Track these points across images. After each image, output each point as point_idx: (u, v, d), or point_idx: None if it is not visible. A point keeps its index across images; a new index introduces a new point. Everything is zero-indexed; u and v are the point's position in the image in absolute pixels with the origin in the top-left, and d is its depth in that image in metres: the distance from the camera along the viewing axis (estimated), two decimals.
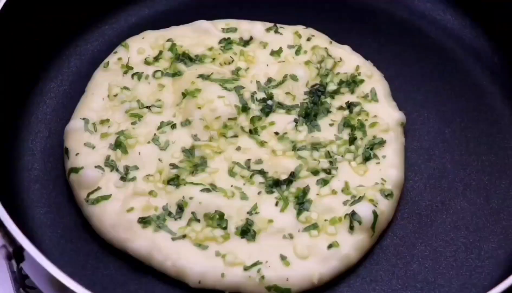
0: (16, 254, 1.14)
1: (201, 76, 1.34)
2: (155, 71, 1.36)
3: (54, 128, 1.36)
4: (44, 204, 1.29)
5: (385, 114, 1.32)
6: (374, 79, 1.36)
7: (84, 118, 1.31)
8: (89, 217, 1.24)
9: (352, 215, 1.22)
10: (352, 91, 1.35)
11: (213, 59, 1.38)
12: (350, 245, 1.21)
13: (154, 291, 1.21)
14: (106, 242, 1.24)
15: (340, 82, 1.35)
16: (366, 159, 1.28)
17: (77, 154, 1.28)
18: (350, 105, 1.33)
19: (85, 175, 1.25)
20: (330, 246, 1.20)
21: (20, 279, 1.28)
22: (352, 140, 1.30)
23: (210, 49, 1.39)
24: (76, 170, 1.26)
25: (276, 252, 1.19)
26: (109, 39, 1.47)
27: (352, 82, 1.36)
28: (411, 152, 1.34)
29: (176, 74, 1.36)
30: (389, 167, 1.28)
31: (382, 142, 1.30)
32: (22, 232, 1.13)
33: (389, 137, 1.30)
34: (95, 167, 1.26)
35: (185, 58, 1.37)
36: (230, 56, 1.37)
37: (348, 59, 1.38)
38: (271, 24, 1.42)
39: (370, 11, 1.50)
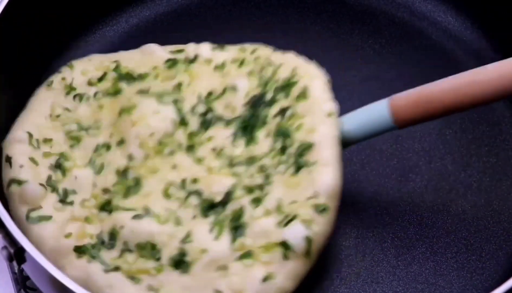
0: (17, 255, 1.13)
1: (140, 92, 1.28)
2: (96, 92, 1.30)
3: None
4: None
5: (315, 111, 1.21)
6: (308, 78, 1.25)
7: (28, 132, 1.25)
8: (27, 235, 1.16)
9: (283, 243, 1.12)
10: (287, 95, 1.25)
11: (156, 76, 1.30)
12: (285, 274, 1.12)
13: None
14: None
15: (276, 89, 1.26)
16: (298, 168, 1.17)
17: (21, 166, 1.21)
18: (282, 111, 1.23)
19: (29, 190, 1.19)
20: (265, 279, 1.11)
21: (21, 281, 1.28)
22: (283, 149, 1.20)
23: (154, 68, 1.32)
24: (19, 182, 1.20)
25: (210, 286, 1.12)
26: (110, 41, 1.47)
27: (286, 86, 1.26)
28: (412, 153, 1.34)
29: (116, 93, 1.30)
30: (320, 174, 1.15)
31: (309, 146, 1.18)
32: (23, 233, 1.13)
33: (317, 137, 1.18)
34: (40, 183, 1.20)
35: (128, 77, 1.31)
36: (173, 74, 1.31)
37: (288, 64, 1.28)
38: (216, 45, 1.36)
39: (370, 13, 1.50)
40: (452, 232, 1.26)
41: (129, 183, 1.20)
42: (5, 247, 1.14)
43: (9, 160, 1.22)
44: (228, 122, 1.25)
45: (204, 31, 1.44)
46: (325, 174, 1.16)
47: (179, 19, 1.49)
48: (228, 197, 1.17)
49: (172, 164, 1.21)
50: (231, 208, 1.16)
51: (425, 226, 1.27)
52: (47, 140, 1.25)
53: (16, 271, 1.26)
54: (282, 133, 1.21)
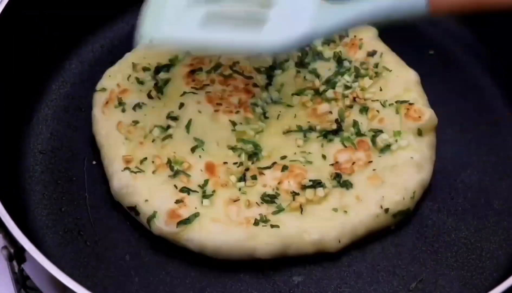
0: (17, 255, 1.14)
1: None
2: (150, 91, 1.34)
3: (55, 130, 1.37)
4: (46, 205, 1.29)
5: None
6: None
7: (126, 168, 1.26)
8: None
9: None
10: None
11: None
12: (425, 146, 1.29)
13: (155, 292, 1.21)
14: (107, 244, 1.24)
15: None
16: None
17: (146, 200, 1.23)
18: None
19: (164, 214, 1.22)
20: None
21: (21, 280, 1.28)
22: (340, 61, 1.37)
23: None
24: (152, 216, 1.22)
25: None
26: (110, 42, 1.48)
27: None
28: None
29: (164, 84, 1.35)
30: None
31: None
32: (23, 233, 1.13)
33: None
34: (175, 201, 1.23)
35: (165, 66, 1.37)
36: None
37: None
38: None
39: None
40: (452, 231, 1.26)
41: (250, 149, 1.29)
42: (5, 247, 1.14)
43: (133, 209, 1.24)
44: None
45: None
46: (405, 71, 1.37)
47: None
48: (339, 121, 1.30)
49: (275, 116, 1.32)
50: (348, 126, 1.30)
51: (425, 226, 1.27)
52: (143, 160, 1.27)
53: (16, 271, 1.26)
54: (339, 54, 1.38)
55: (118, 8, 1.49)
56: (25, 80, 1.38)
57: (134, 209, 1.24)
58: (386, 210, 1.23)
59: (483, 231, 1.26)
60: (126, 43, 1.46)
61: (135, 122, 1.31)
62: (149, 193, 1.24)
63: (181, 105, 1.32)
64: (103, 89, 1.35)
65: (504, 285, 1.10)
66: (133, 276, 1.22)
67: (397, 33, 1.46)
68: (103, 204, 1.28)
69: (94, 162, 1.32)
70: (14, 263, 1.16)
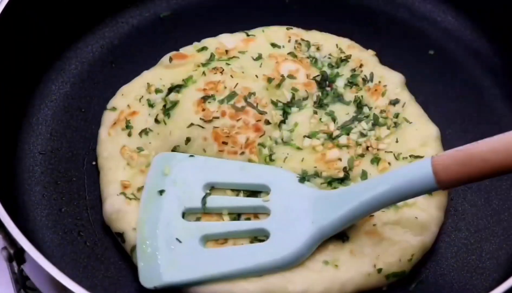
0: (17, 255, 1.14)
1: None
2: (156, 119, 1.31)
3: (55, 130, 1.36)
4: (45, 206, 1.29)
5: None
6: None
7: (121, 193, 1.25)
8: None
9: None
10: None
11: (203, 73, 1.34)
12: (434, 207, 1.22)
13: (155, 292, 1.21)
14: (107, 244, 1.24)
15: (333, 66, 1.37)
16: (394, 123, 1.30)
17: (134, 229, 1.21)
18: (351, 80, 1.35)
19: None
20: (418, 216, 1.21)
21: (21, 281, 1.28)
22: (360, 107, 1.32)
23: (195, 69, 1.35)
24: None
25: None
26: (110, 42, 1.47)
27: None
28: None
29: (173, 106, 1.31)
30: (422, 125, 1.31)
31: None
32: (23, 234, 1.13)
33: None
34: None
35: (176, 87, 1.33)
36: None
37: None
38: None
39: (370, 13, 1.50)
40: (452, 232, 1.26)
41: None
42: (5, 248, 1.14)
43: (120, 236, 1.23)
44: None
45: (203, 32, 1.43)
46: (426, 125, 1.30)
47: (179, 19, 1.49)
48: (347, 170, 1.24)
49: (282, 158, 1.26)
50: (355, 175, 1.24)
51: None
52: (140, 189, 1.25)
53: (16, 271, 1.26)
54: (359, 100, 1.32)
55: (118, 8, 1.49)
56: (25, 80, 1.38)
57: (121, 236, 1.22)
58: (379, 270, 1.17)
59: (483, 231, 1.26)
60: (126, 43, 1.46)
61: (140, 149, 1.29)
62: None
63: (187, 140, 1.28)
64: (113, 109, 1.34)
65: (504, 285, 1.10)
66: (133, 276, 1.22)
67: (397, 35, 1.47)
68: None
69: (94, 162, 1.32)
70: (14, 263, 1.16)
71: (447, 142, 1.34)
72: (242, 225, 1.20)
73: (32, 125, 1.37)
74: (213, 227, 1.20)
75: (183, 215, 1.22)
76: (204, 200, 1.22)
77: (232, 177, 1.23)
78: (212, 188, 1.24)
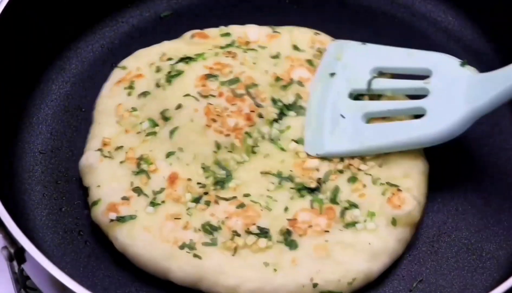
0: (18, 255, 1.14)
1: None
2: (158, 84, 1.32)
3: (55, 129, 1.36)
4: (46, 206, 1.29)
5: None
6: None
7: (99, 149, 1.27)
8: (125, 252, 1.21)
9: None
10: None
11: (216, 54, 1.35)
12: (394, 239, 1.20)
13: (155, 292, 1.21)
14: (107, 244, 1.24)
15: None
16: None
17: (98, 186, 1.24)
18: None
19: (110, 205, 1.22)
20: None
21: (21, 280, 1.28)
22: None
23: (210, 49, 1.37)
24: (99, 203, 1.23)
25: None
26: (110, 42, 1.47)
27: None
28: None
29: (176, 75, 1.33)
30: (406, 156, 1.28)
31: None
32: (23, 233, 1.13)
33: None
34: (122, 197, 1.23)
35: (186, 59, 1.35)
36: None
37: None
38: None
39: (371, 13, 1.50)
40: (452, 232, 1.26)
41: (220, 175, 1.25)
42: (5, 247, 1.14)
43: (86, 189, 1.25)
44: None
45: None
46: (415, 158, 1.27)
47: (179, 19, 1.49)
48: (321, 182, 1.25)
49: (264, 154, 1.27)
50: (327, 189, 1.24)
51: (425, 226, 1.27)
52: (118, 148, 1.27)
53: (16, 271, 1.26)
54: None
55: (118, 8, 1.49)
56: (25, 80, 1.38)
57: (86, 190, 1.25)
58: (315, 285, 1.16)
59: (483, 231, 1.26)
60: (126, 43, 1.46)
61: (133, 109, 1.31)
62: (104, 180, 1.24)
63: (178, 106, 1.29)
64: (124, 68, 1.37)
65: (505, 285, 1.10)
66: (133, 276, 1.22)
67: (397, 33, 1.47)
68: None
69: None
70: (14, 263, 1.16)
71: (447, 142, 1.34)
72: (402, 103, 1.29)
73: (33, 124, 1.37)
74: (375, 104, 1.29)
75: (350, 96, 1.30)
76: (370, 82, 1.28)
77: (399, 62, 1.31)
78: (379, 73, 1.30)
